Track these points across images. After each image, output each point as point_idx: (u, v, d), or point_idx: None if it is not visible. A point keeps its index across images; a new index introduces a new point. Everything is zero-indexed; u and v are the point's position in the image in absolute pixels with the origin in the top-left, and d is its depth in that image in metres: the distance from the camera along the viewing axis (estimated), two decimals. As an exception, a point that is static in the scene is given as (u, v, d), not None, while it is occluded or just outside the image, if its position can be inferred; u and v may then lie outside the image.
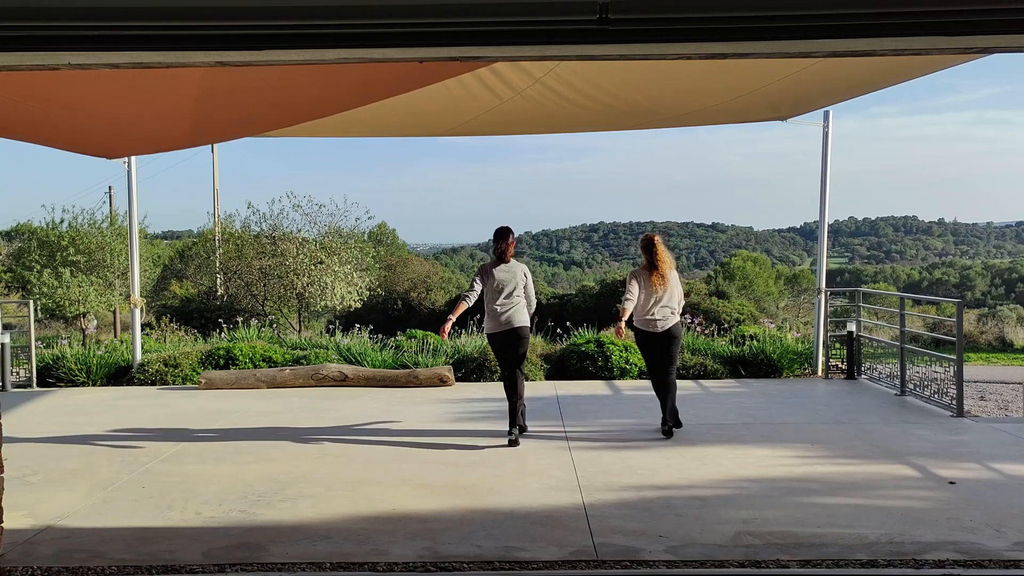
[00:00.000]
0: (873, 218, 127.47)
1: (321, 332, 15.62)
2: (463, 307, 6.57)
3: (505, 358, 6.59)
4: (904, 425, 7.09)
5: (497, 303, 6.50)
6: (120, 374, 10.24)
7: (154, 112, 5.86)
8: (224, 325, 13.57)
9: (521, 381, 6.63)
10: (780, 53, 3.00)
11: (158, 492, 5.25)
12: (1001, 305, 40.27)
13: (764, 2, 2.76)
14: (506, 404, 6.68)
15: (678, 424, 6.82)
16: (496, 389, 9.14)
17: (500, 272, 6.56)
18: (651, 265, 6.65)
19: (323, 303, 20.75)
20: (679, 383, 7.10)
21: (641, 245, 6.84)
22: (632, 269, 6.95)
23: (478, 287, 6.58)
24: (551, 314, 22.27)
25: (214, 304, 20.76)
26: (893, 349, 9.03)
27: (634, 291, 6.59)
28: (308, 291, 20.39)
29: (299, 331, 20.08)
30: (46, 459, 6.14)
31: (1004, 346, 27.11)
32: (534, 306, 6.73)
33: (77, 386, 9.99)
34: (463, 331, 12.10)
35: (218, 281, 23.03)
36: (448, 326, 6.69)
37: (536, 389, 9.24)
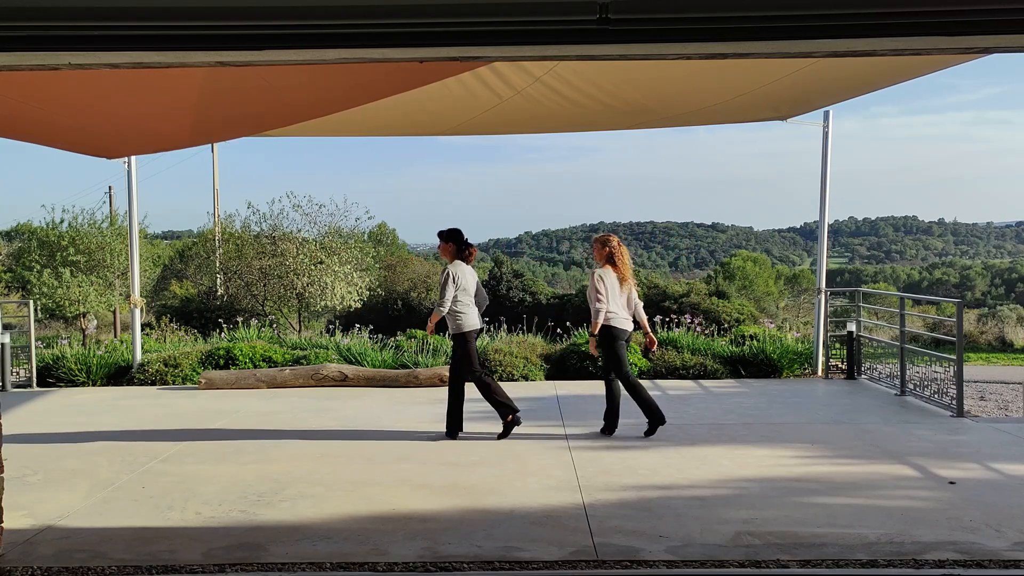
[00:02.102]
0: (873, 218, 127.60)
1: (321, 332, 15.62)
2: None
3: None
4: (904, 425, 7.09)
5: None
6: (120, 374, 10.24)
7: (155, 111, 5.86)
8: (224, 325, 13.57)
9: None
10: (780, 53, 3.00)
11: (158, 492, 5.25)
12: (1001, 305, 40.27)
13: (764, 2, 2.76)
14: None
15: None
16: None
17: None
18: None
19: (323, 303, 20.76)
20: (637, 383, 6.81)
21: None
22: None
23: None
24: (551, 314, 22.27)
25: (214, 304, 20.76)
26: (893, 349, 9.03)
27: None
28: (308, 291, 20.40)
29: (299, 331, 20.09)
30: (46, 459, 6.14)
31: (1004, 346, 27.11)
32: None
33: (77, 386, 9.99)
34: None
35: (218, 281, 23.03)
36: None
37: (536, 389, 9.25)
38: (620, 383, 6.66)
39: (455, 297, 6.56)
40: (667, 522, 4.54)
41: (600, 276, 6.56)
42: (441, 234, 6.84)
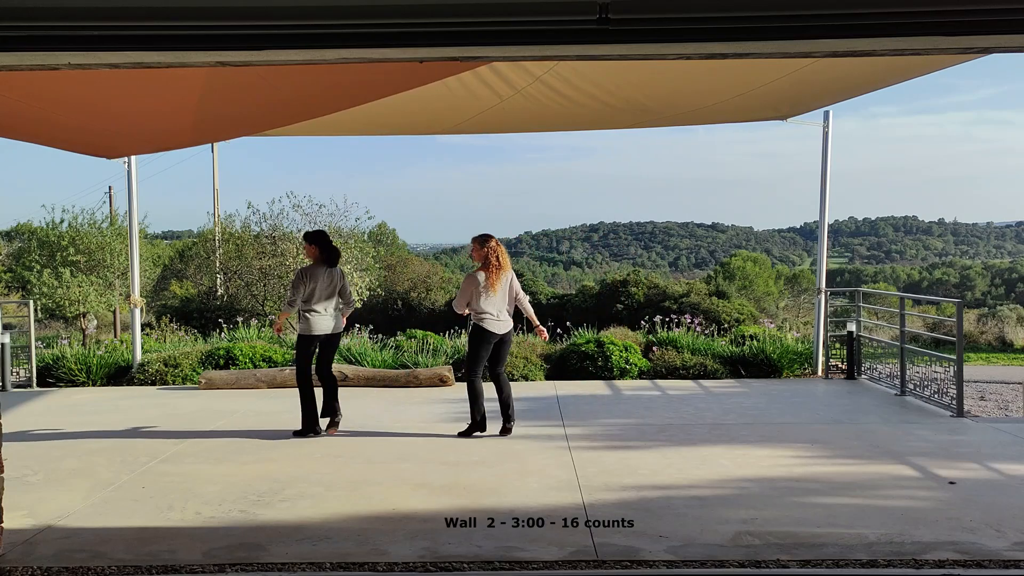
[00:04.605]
0: (873, 218, 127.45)
1: (321, 332, 15.59)
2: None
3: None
4: (904, 425, 7.09)
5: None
6: (120, 374, 10.24)
7: (155, 111, 5.86)
8: (224, 325, 13.57)
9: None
10: (780, 53, 3.00)
11: (158, 492, 5.25)
12: (1001, 305, 40.21)
13: (764, 2, 2.76)
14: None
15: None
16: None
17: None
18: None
19: (323, 303, 20.75)
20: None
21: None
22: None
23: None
24: (551, 314, 22.27)
25: (214, 304, 20.78)
26: (893, 349, 9.03)
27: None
28: (308, 291, 20.39)
29: (299, 331, 20.08)
30: (46, 459, 6.13)
31: (1004, 346, 27.08)
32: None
33: (77, 386, 9.99)
34: (463, 331, 12.09)
35: (218, 281, 23.05)
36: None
37: (536, 389, 9.25)
38: (471, 381, 6.64)
39: (306, 298, 6.69)
40: (667, 522, 4.54)
41: (471, 277, 6.57)
42: (307, 235, 6.95)
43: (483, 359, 6.60)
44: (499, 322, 6.55)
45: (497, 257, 6.55)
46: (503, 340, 6.61)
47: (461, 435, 6.72)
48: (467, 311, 6.59)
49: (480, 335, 6.53)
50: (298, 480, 5.48)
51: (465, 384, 6.72)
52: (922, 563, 3.93)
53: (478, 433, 6.71)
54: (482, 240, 6.61)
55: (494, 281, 6.52)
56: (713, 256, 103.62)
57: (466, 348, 10.39)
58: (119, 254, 22.33)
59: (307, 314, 6.68)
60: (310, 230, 7.09)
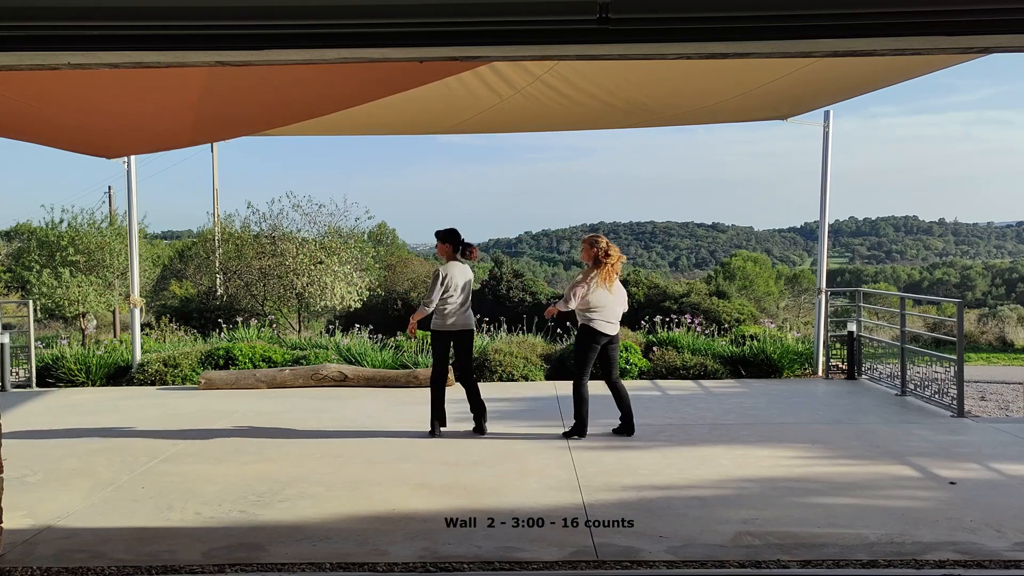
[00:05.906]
0: (873, 218, 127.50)
1: (321, 332, 15.61)
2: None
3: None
4: (904, 425, 7.09)
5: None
6: (120, 374, 10.24)
7: (155, 111, 5.86)
8: (224, 325, 13.57)
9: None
10: (780, 53, 3.00)
11: (158, 492, 5.25)
12: (1001, 305, 40.18)
13: (764, 2, 2.76)
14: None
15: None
16: (495, 389, 9.15)
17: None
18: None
19: (323, 303, 20.74)
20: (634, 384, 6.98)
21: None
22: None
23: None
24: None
25: (214, 304, 20.76)
26: (894, 349, 9.03)
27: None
28: (308, 291, 20.38)
29: (299, 331, 20.08)
30: (46, 459, 6.13)
31: (1004, 346, 27.06)
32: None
33: (77, 386, 9.99)
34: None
35: (218, 281, 23.03)
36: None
37: (536, 389, 9.24)
38: (576, 384, 6.54)
39: (441, 297, 6.63)
40: (667, 522, 4.54)
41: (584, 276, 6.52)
42: (438, 234, 6.88)
43: (591, 361, 6.53)
44: (610, 324, 6.49)
45: (608, 255, 6.48)
46: (612, 341, 6.57)
47: (565, 435, 6.62)
48: (575, 308, 6.46)
49: (591, 335, 6.46)
50: (298, 480, 5.48)
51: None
52: (922, 563, 3.93)
53: (576, 437, 6.57)
54: (593, 241, 6.55)
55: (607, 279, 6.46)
56: (713, 256, 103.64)
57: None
58: (119, 254, 22.32)
59: (443, 311, 6.66)
60: (441, 229, 6.87)
